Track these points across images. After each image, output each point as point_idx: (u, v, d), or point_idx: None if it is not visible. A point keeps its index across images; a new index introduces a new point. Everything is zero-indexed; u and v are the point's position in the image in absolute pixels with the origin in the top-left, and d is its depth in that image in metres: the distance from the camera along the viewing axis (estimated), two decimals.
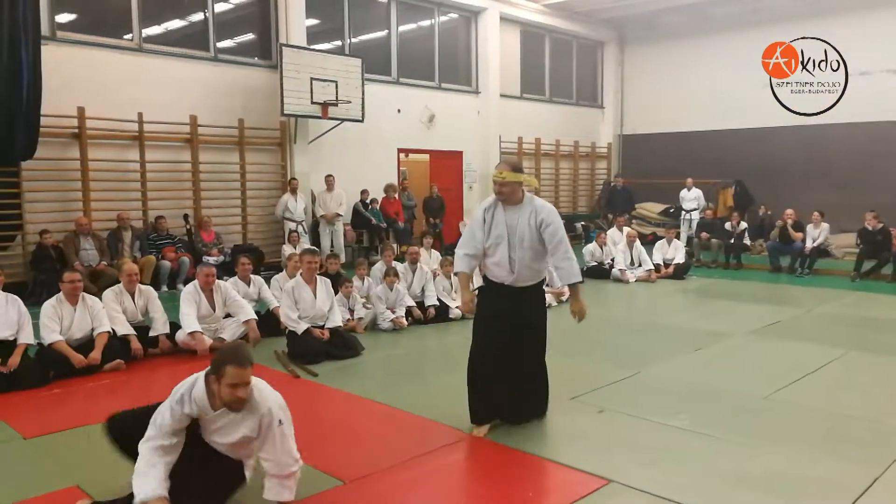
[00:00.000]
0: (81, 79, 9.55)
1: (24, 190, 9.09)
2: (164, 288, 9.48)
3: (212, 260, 9.65)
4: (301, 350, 5.95)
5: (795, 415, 4.58)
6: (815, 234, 11.14)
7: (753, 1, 15.28)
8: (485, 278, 4.37)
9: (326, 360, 5.91)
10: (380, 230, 12.33)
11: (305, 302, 6.17)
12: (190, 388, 3.12)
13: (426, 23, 14.35)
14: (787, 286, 10.20)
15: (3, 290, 5.71)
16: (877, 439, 4.13)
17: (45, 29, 9.23)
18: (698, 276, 11.14)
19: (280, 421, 3.15)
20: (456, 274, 4.58)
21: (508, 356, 4.31)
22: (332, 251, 11.79)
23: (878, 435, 4.21)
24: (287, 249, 10.84)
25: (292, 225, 11.27)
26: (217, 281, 6.49)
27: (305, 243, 11.30)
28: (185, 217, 10.44)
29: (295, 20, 11.67)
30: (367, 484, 3.58)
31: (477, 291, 4.43)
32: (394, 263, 7.65)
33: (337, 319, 6.31)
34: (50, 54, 9.11)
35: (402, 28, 13.85)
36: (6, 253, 8.99)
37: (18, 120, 8.36)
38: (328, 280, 6.46)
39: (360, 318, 7.11)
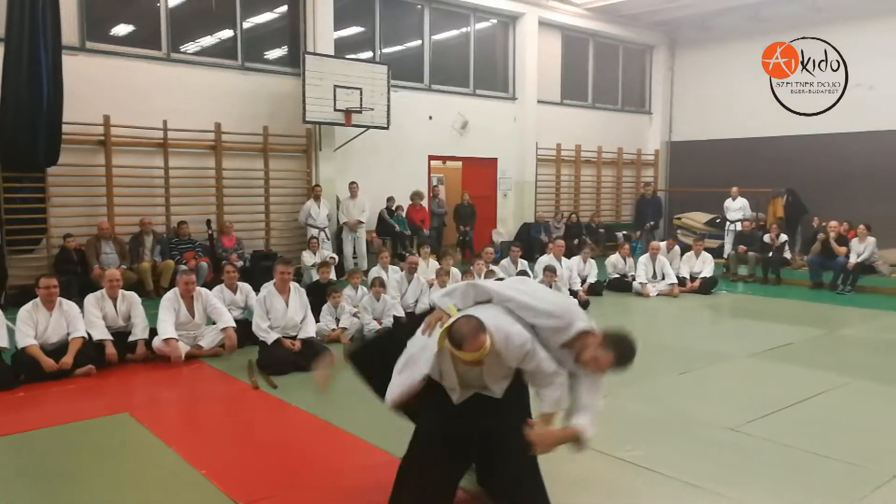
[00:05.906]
0: (109, 88, 9.86)
1: (49, 195, 9.47)
2: None
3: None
4: (269, 360, 5.90)
5: (760, 452, 4.17)
6: (861, 248, 10.31)
7: (811, 0, 14.40)
8: None
9: (294, 371, 5.83)
10: (403, 238, 12.23)
11: (277, 311, 6.13)
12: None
13: (462, 29, 14.19)
14: (823, 304, 9.46)
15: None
16: (847, 488, 3.68)
17: (74, 40, 9.61)
18: (729, 291, 10.54)
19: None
20: None
21: None
22: (353, 258, 11.85)
23: (850, 482, 3.76)
24: (306, 256, 10.93)
25: (314, 231, 11.32)
26: (198, 288, 6.55)
27: (326, 250, 11.33)
28: (208, 223, 10.63)
29: (323, 31, 11.73)
30: None
31: None
32: (377, 273, 7.54)
33: (310, 330, 6.23)
34: (79, 64, 9.50)
35: (436, 35, 13.73)
36: (31, 256, 9.37)
37: (40, 127, 8.66)
38: (303, 290, 6.40)
39: (346, 329, 6.99)
